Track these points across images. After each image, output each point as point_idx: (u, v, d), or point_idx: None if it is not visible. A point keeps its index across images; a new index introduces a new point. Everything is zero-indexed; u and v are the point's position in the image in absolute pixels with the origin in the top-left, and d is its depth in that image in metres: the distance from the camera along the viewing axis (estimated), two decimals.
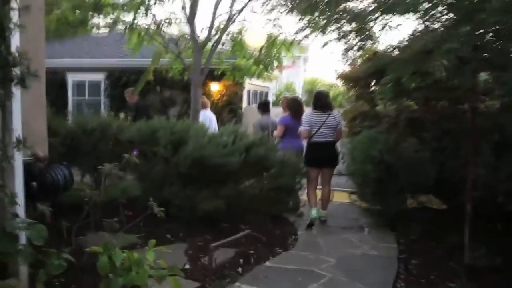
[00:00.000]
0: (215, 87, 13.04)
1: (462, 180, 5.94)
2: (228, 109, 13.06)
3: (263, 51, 9.29)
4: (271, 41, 9.04)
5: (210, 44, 8.49)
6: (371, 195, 6.01)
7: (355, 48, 4.93)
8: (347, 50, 4.64)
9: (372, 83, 7.00)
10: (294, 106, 7.09)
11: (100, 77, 13.94)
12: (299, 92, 26.32)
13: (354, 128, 7.54)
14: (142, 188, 5.83)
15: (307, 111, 6.85)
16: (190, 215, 5.24)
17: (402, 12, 3.40)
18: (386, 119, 6.38)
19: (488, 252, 4.53)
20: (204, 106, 8.76)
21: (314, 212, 6.18)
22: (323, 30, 5.27)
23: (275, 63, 9.78)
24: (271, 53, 9.37)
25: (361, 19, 3.74)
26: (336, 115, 6.45)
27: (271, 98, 18.61)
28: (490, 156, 4.97)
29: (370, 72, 6.27)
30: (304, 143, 6.70)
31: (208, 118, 8.40)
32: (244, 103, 13.77)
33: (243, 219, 5.67)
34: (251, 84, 14.24)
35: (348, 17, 3.89)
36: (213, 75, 10.86)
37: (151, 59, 9.53)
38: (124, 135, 6.12)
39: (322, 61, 62.23)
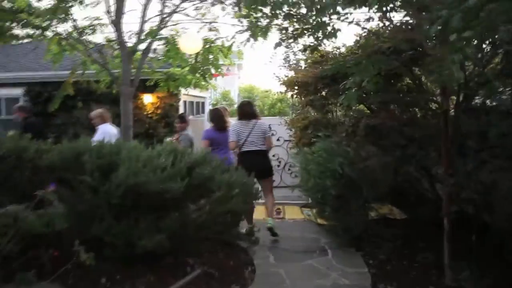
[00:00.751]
0: (148, 99, 12.12)
1: (426, 190, 5.52)
2: (163, 123, 12.15)
3: (199, 58, 8.54)
4: (207, 47, 8.32)
5: (140, 51, 7.65)
6: (332, 212, 5.40)
7: (309, 48, 4.35)
8: (304, 50, 4.03)
9: (323, 88, 6.39)
10: (215, 118, 6.44)
11: (17, 92, 12.63)
12: (236, 100, 25.79)
13: (305, 138, 6.93)
14: (68, 224, 4.96)
15: (233, 122, 6.40)
16: (128, 252, 4.41)
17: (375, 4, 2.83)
18: (342, 128, 5.81)
19: (471, 272, 4.06)
20: (103, 120, 7.15)
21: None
22: (265, 32, 4.67)
23: (213, 71, 9.05)
24: (208, 60, 8.64)
25: (323, 12, 3.10)
26: (262, 123, 6.18)
27: (207, 108, 17.88)
28: (461, 165, 4.53)
29: (321, 77, 5.68)
30: (234, 155, 6.18)
31: (108, 133, 6.70)
32: None
33: (190, 250, 4.94)
34: (187, 94, 13.42)
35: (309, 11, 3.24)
36: (145, 87, 9.93)
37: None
38: (43, 161, 5.20)
39: (256, 67, 62.28)
